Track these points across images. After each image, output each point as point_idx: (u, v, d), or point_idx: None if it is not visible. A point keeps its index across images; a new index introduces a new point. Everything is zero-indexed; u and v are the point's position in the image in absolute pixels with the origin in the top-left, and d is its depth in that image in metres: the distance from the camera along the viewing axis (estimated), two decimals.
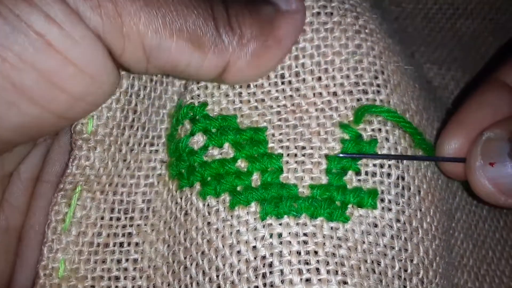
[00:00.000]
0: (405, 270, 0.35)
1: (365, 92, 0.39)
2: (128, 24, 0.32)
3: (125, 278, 0.37)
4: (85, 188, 0.38)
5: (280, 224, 0.35)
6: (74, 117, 0.35)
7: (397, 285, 0.35)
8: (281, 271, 0.33)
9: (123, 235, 0.38)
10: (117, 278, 0.37)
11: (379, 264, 0.35)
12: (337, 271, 0.33)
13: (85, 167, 0.38)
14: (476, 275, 0.44)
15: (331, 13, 0.40)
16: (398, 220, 0.36)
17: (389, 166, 0.37)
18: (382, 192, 0.36)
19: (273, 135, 0.38)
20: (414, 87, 0.43)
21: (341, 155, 0.36)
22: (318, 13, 0.40)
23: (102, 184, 0.39)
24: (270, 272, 0.33)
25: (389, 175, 0.37)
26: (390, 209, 0.36)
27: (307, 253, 0.34)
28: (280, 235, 0.34)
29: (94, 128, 0.38)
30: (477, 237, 0.46)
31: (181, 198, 0.38)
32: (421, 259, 0.36)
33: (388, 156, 0.37)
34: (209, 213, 0.36)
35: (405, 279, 0.35)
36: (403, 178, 0.38)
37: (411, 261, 0.36)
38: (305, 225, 0.35)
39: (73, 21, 0.31)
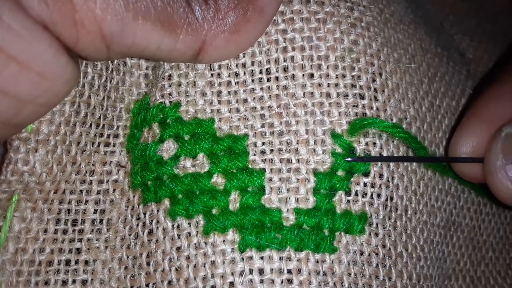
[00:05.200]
0: None
1: (361, 96, 0.34)
2: (81, 8, 0.26)
3: None
4: (23, 197, 0.31)
5: (262, 258, 0.31)
6: (23, 122, 0.29)
7: None
8: None
9: (70, 251, 0.32)
10: None
11: None
12: None
13: (23, 173, 0.31)
14: (471, 278, 0.43)
15: (322, 2, 0.35)
16: (384, 246, 0.34)
17: (380, 186, 0.34)
18: (371, 215, 0.33)
19: (255, 144, 0.33)
20: (420, 85, 0.38)
21: (348, 159, 0.33)
22: (308, 1, 0.34)
23: (45, 192, 0.32)
24: None
25: (379, 195, 0.34)
26: (377, 234, 0.33)
27: None
28: (261, 271, 0.30)
29: (35, 126, 0.31)
30: (479, 238, 0.44)
31: (144, 214, 0.32)
32: (404, 286, 0.34)
33: (396, 159, 0.34)
34: (179, 236, 0.31)
35: None
36: (391, 199, 0.34)
37: None
38: (289, 260, 0.31)
39: (11, 10, 0.24)
